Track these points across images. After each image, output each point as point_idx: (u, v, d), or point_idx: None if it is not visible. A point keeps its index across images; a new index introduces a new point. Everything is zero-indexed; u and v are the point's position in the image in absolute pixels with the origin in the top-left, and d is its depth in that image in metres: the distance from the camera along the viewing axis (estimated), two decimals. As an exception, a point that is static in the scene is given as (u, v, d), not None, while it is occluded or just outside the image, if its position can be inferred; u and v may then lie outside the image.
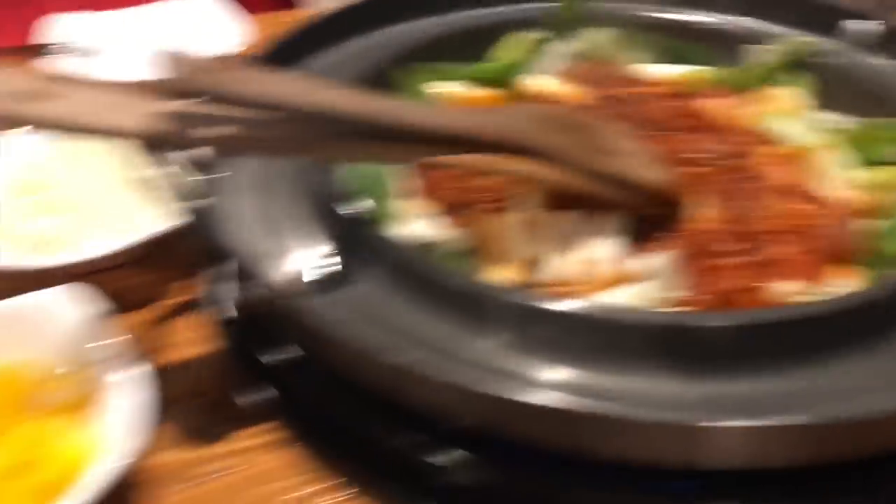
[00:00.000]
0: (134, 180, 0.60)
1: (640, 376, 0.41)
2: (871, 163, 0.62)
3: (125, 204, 0.59)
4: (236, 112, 0.43)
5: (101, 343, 0.47)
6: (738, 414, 0.37)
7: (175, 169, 0.51)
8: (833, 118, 0.67)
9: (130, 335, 0.49)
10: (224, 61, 0.43)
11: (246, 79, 0.43)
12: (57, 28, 0.87)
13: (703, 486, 0.42)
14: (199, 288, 0.57)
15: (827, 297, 0.48)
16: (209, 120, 0.43)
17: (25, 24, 0.90)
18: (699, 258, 0.52)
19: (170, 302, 0.58)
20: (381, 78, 0.66)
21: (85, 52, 0.84)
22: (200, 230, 0.44)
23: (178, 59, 0.42)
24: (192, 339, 0.55)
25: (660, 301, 0.48)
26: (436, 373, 0.39)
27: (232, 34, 0.85)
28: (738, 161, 0.62)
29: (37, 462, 0.43)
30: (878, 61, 0.70)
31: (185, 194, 0.52)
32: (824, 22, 0.72)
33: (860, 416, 0.37)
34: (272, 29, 0.85)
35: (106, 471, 0.41)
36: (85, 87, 0.41)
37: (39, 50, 0.84)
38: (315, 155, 0.50)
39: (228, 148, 0.46)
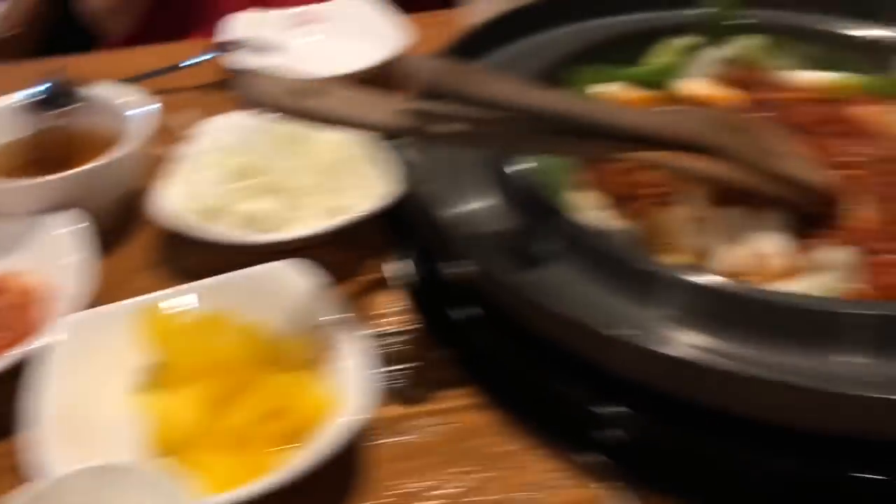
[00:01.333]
0: (338, 166, 0.67)
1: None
2: None
3: (328, 187, 0.66)
4: (464, 110, 0.49)
5: (325, 310, 0.54)
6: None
7: (393, 155, 0.58)
8: None
9: (345, 305, 0.55)
10: (449, 63, 0.49)
11: (472, 80, 0.49)
12: (235, 26, 0.95)
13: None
14: (393, 263, 0.64)
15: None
16: (443, 117, 0.49)
17: (209, 24, 0.98)
18: (864, 254, 0.56)
19: (368, 277, 0.65)
20: (548, 78, 0.72)
21: (261, 48, 0.91)
22: (405, 209, 0.50)
23: (416, 63, 0.48)
24: (391, 310, 0.62)
25: (834, 292, 0.52)
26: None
27: (394, 33, 0.91)
28: (890, 165, 0.65)
29: (285, 409, 0.50)
30: None
31: (397, 176, 0.59)
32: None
33: None
34: (429, 29, 0.92)
35: (348, 422, 0.48)
36: (342, 88, 0.48)
37: (222, 46, 0.92)
38: (523, 148, 0.56)
39: (457, 142, 0.53)
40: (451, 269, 0.52)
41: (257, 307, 0.54)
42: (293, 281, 0.56)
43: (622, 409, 0.52)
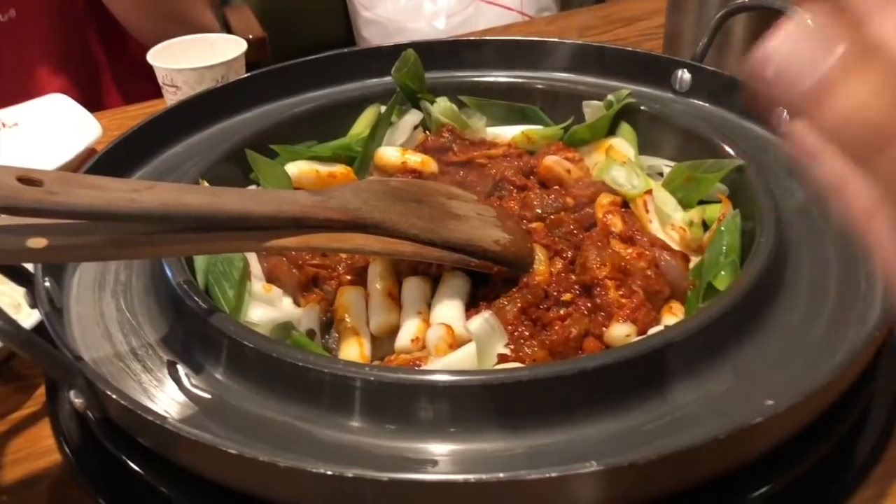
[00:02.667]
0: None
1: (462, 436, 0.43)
2: (694, 203, 0.66)
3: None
4: (61, 222, 0.44)
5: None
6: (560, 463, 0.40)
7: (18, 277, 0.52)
8: (659, 162, 0.71)
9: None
10: (36, 170, 0.43)
11: (60, 189, 0.43)
12: None
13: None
14: (45, 397, 0.57)
15: (639, 340, 0.50)
16: (36, 231, 0.43)
17: None
18: (532, 312, 0.55)
19: (19, 414, 0.58)
20: (236, 160, 0.68)
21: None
22: (28, 343, 0.44)
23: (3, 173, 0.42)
24: (41, 450, 0.55)
25: (488, 359, 0.50)
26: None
27: (85, 131, 0.85)
28: (579, 212, 0.66)
29: None
30: (695, 105, 0.76)
31: (30, 301, 0.53)
32: (656, 74, 0.78)
33: (675, 449, 0.40)
34: (130, 121, 0.87)
35: None
36: None
37: None
38: (144, 254, 0.51)
39: (60, 258, 0.47)
40: (81, 400, 0.46)
41: None
42: None
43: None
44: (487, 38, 0.84)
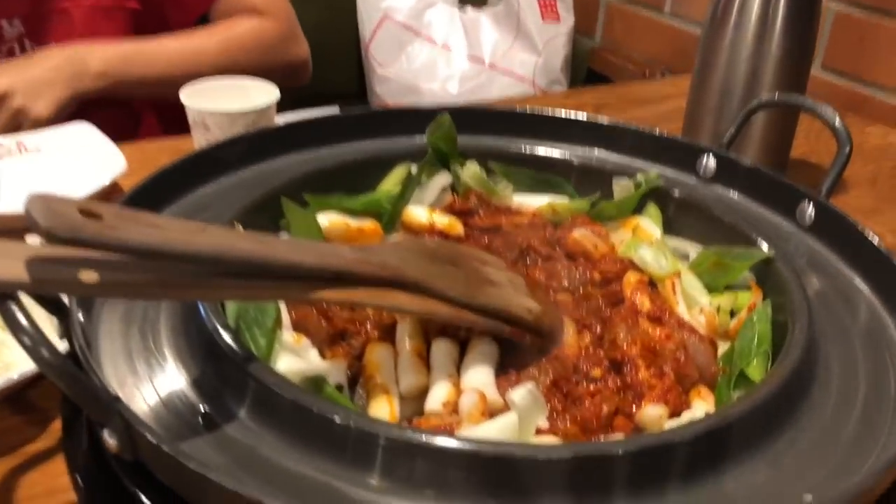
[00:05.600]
0: None
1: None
2: (720, 288, 0.67)
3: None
4: (112, 257, 0.44)
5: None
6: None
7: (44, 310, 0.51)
8: (684, 244, 0.72)
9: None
10: (97, 203, 0.43)
11: (119, 224, 0.43)
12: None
13: None
14: (65, 432, 0.55)
15: (676, 426, 0.50)
16: (87, 265, 0.43)
17: None
18: (563, 385, 0.55)
19: (35, 447, 0.56)
20: (268, 207, 0.68)
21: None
22: (69, 376, 0.43)
23: (53, 204, 0.42)
24: (59, 487, 0.53)
25: (527, 431, 0.50)
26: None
27: (109, 163, 0.85)
28: (607, 288, 0.66)
29: None
30: (718, 191, 0.77)
31: (56, 335, 0.52)
32: (680, 157, 0.79)
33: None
34: (160, 155, 0.87)
35: None
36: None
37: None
38: (191, 296, 0.51)
39: (108, 293, 0.46)
40: (112, 440, 0.45)
41: None
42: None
43: None
44: (520, 108, 0.85)
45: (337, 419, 0.45)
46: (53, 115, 1.06)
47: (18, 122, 1.05)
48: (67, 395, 0.46)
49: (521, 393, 0.49)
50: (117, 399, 0.45)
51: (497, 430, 0.47)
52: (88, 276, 0.43)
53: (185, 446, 0.46)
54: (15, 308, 0.41)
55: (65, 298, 0.53)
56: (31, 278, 0.42)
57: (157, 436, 0.42)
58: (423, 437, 0.44)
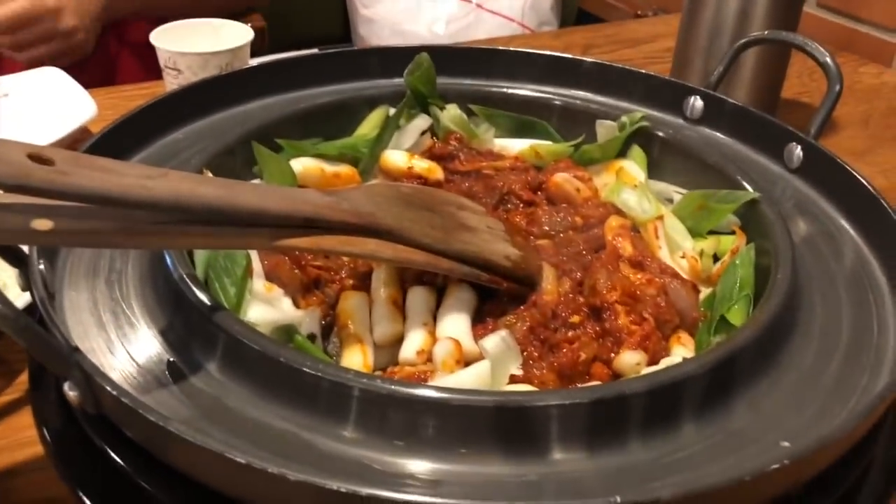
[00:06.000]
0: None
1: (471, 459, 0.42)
2: (704, 232, 0.66)
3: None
4: (68, 204, 0.42)
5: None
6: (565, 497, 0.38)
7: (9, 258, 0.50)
8: (668, 188, 0.70)
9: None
10: (48, 148, 0.41)
11: (71, 170, 0.41)
12: None
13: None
14: (34, 385, 0.54)
15: (654, 371, 0.49)
16: (41, 212, 0.41)
17: None
18: (540, 332, 0.54)
19: (2, 400, 0.55)
20: (239, 152, 0.66)
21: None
22: (25, 329, 0.42)
23: (8, 148, 0.40)
24: (23, 441, 0.52)
25: (501, 379, 0.48)
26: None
27: (78, 109, 0.82)
28: (589, 232, 0.65)
29: None
30: (705, 133, 0.75)
31: (22, 284, 0.51)
32: (668, 98, 0.77)
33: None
34: (130, 101, 0.84)
35: None
36: None
37: None
38: (152, 244, 0.49)
39: (64, 242, 0.45)
40: (74, 392, 0.44)
41: None
42: None
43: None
44: (502, 48, 0.82)
45: (306, 369, 0.44)
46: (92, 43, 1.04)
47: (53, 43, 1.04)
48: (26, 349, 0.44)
49: (493, 340, 0.48)
50: (76, 350, 0.43)
51: (470, 379, 0.46)
52: (41, 224, 0.42)
53: (150, 399, 0.45)
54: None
55: (25, 249, 0.51)
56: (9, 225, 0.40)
57: (118, 388, 0.41)
58: (394, 387, 0.43)
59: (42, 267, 0.50)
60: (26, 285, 0.50)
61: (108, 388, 0.41)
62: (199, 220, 0.46)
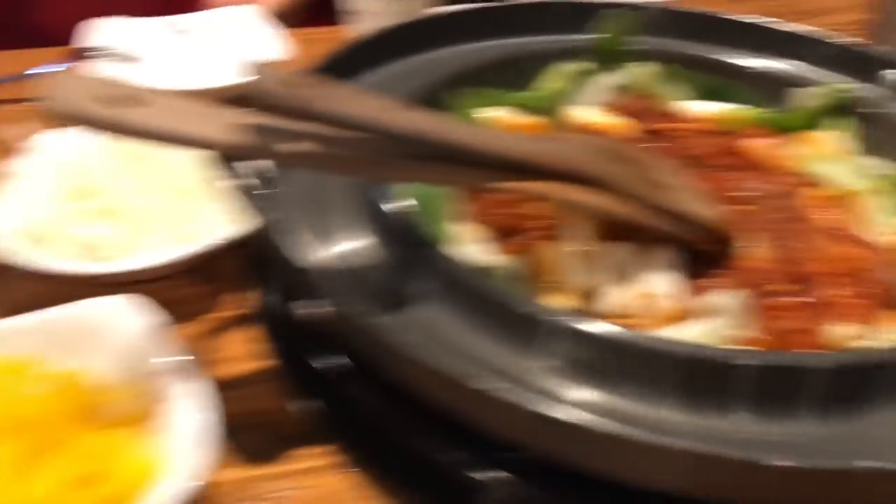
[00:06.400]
0: (190, 188, 0.60)
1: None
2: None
3: (178, 212, 0.59)
4: (313, 128, 0.43)
5: (161, 355, 0.47)
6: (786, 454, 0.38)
7: (241, 180, 0.51)
8: (876, 164, 0.67)
9: (188, 348, 0.48)
10: (303, 76, 0.43)
11: (326, 95, 0.43)
12: (100, 32, 0.86)
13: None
14: (251, 300, 0.57)
15: (883, 344, 0.48)
16: (288, 135, 0.43)
17: (70, 26, 0.89)
18: (756, 297, 0.53)
19: (221, 314, 0.58)
20: (431, 99, 0.66)
21: (126, 58, 0.83)
22: (260, 242, 0.44)
23: (262, 71, 0.42)
24: (245, 354, 0.55)
25: (723, 339, 0.48)
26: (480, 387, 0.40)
27: (272, 47, 0.85)
28: (784, 201, 0.63)
29: (101, 474, 0.42)
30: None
31: (247, 205, 0.53)
32: (865, 69, 0.74)
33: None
34: (310, 45, 0.86)
35: (176, 489, 0.41)
36: (167, 96, 0.41)
37: (82, 53, 0.83)
38: (382, 174, 0.50)
39: (303, 163, 0.46)
40: (306, 310, 0.45)
41: (77, 351, 0.47)
42: (122, 320, 0.48)
43: (502, 474, 0.46)
44: (696, 9, 0.80)
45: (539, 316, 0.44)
46: None
47: None
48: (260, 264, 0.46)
49: (725, 298, 0.47)
50: (315, 270, 0.45)
51: (696, 334, 0.45)
52: (289, 146, 0.43)
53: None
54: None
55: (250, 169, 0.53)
56: (238, 142, 0.42)
57: (358, 310, 0.42)
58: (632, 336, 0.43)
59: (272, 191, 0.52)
60: (258, 204, 0.51)
61: (348, 309, 0.42)
62: (427, 156, 0.47)
